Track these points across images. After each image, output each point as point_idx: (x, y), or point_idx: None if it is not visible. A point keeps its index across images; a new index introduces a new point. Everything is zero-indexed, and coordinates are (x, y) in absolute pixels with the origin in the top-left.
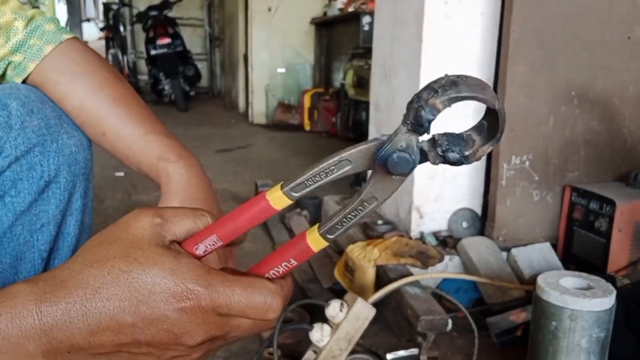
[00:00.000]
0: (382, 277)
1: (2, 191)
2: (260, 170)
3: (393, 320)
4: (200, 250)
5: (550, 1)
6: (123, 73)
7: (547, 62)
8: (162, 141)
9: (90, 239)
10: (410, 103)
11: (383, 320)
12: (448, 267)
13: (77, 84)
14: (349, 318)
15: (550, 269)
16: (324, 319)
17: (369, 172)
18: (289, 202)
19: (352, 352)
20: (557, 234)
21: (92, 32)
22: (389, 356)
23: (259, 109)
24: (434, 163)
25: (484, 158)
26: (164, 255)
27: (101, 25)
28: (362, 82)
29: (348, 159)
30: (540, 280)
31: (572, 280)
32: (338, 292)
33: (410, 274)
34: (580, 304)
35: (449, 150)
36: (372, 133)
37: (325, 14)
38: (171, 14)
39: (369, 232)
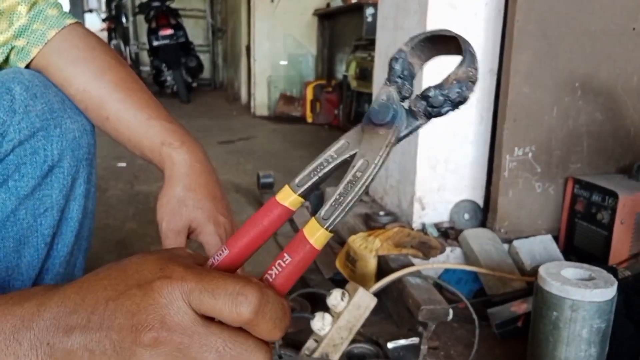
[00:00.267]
0: (384, 267)
1: (6, 175)
2: (262, 161)
3: (394, 309)
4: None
5: None
6: None
7: (551, 51)
8: (165, 126)
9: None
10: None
11: (384, 309)
12: (449, 259)
13: (80, 69)
14: (350, 307)
15: (552, 260)
16: (325, 308)
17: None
18: (300, 199)
19: (353, 341)
20: (559, 226)
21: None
22: (389, 345)
23: (261, 100)
24: (419, 112)
25: (486, 149)
26: None
27: (103, 16)
28: (365, 74)
29: (346, 141)
30: (541, 270)
31: (573, 271)
32: (339, 282)
33: (412, 264)
34: (582, 294)
35: (427, 91)
36: None
37: (328, 5)
38: (174, 5)
39: (370, 223)
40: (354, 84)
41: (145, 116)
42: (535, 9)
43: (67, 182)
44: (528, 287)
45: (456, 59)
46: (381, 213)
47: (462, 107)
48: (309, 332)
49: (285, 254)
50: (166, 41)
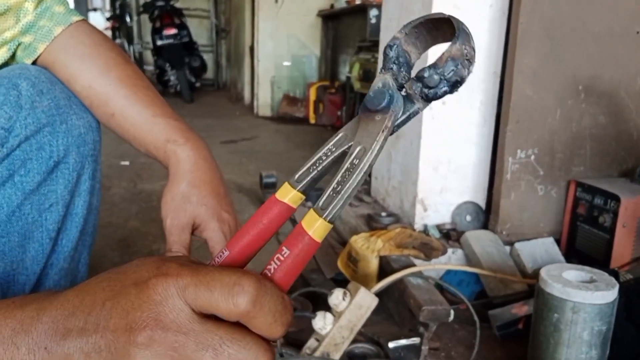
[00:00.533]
0: (385, 267)
1: (12, 170)
2: (264, 161)
3: (395, 309)
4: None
5: None
6: None
7: (555, 53)
8: (170, 123)
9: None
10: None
11: (385, 309)
12: (451, 260)
13: (86, 66)
14: (351, 307)
15: (553, 263)
16: (327, 308)
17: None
18: (300, 195)
19: (354, 340)
20: (561, 228)
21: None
22: (390, 345)
23: (264, 101)
24: (415, 95)
25: (488, 151)
26: None
27: (107, 14)
28: (369, 76)
29: (345, 133)
30: (543, 272)
31: (575, 273)
32: (341, 282)
33: (414, 265)
34: (583, 296)
35: (422, 72)
36: None
37: (332, 6)
38: (178, 4)
39: (372, 224)
40: (357, 85)
41: (151, 113)
42: (540, 11)
43: (73, 178)
44: (529, 289)
45: None
46: (383, 214)
47: (460, 88)
48: (310, 331)
49: (284, 248)
50: (170, 41)
